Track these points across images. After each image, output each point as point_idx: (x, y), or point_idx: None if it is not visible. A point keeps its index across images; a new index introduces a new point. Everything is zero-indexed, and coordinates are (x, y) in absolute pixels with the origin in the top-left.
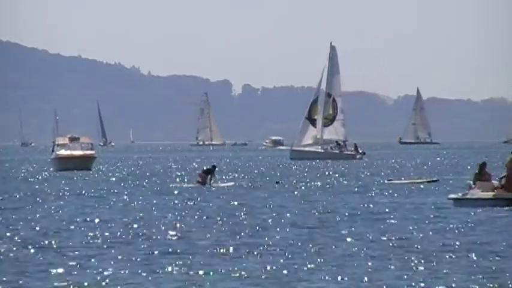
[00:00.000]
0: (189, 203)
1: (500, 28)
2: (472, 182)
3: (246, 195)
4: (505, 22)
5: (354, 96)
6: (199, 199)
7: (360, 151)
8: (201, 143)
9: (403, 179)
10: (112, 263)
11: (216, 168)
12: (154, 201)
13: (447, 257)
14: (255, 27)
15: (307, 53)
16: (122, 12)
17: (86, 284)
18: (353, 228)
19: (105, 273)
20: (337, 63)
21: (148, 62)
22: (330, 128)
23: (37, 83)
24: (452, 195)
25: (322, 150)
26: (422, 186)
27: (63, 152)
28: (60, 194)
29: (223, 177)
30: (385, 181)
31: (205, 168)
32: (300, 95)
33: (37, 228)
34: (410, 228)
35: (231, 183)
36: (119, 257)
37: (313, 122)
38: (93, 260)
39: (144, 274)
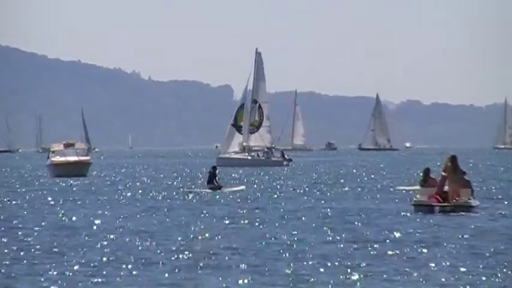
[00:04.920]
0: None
1: (503, 32)
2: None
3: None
4: (510, 26)
5: (355, 100)
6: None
7: (287, 158)
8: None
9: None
10: None
11: (217, 171)
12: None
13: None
14: (256, 32)
15: (307, 57)
16: (122, 17)
17: None
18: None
19: None
20: (262, 69)
21: (149, 67)
22: (256, 134)
23: (36, 88)
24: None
25: (250, 157)
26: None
27: (58, 159)
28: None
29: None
30: (396, 187)
31: (208, 173)
32: (299, 101)
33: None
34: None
35: (242, 187)
36: None
37: (239, 128)
38: None
39: None
